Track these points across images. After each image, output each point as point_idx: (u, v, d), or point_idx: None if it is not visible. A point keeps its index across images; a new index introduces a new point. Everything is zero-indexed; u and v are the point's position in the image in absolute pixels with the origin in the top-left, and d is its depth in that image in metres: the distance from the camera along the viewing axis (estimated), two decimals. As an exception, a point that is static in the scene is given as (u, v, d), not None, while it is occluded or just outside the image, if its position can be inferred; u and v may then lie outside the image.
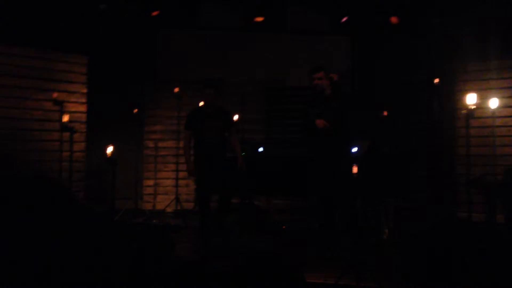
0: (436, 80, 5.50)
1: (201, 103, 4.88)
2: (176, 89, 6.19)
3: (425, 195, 5.67)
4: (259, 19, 7.02)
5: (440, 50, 6.25)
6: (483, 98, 5.46)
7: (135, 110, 6.18)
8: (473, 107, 4.84)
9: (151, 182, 6.83)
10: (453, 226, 3.70)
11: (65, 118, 5.20)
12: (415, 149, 5.82)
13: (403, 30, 6.43)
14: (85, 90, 6.33)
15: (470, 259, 3.20)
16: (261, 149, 6.00)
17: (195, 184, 4.87)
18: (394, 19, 6.49)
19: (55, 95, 5.50)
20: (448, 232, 3.63)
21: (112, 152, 4.16)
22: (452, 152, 6.06)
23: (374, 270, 3.46)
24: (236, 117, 6.07)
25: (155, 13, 6.80)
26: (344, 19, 6.61)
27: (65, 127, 5.19)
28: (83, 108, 6.31)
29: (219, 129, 4.65)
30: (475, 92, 4.99)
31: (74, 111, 6.08)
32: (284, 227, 5.59)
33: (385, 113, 5.19)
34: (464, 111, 5.04)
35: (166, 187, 6.83)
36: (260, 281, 1.26)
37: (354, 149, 4.95)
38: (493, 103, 5.40)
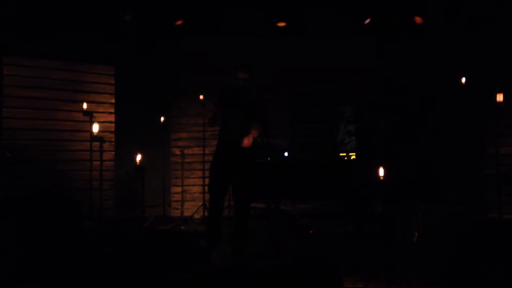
0: (463, 79, 5.41)
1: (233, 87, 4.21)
2: (201, 97, 6.26)
3: (454, 197, 5.57)
4: (281, 24, 7.05)
5: (466, 48, 6.15)
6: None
7: (162, 119, 6.27)
8: (501, 105, 4.74)
9: (178, 189, 6.92)
10: (485, 228, 3.63)
11: (95, 128, 5.33)
12: (443, 150, 5.72)
13: (428, 29, 6.35)
14: (113, 100, 6.49)
15: (502, 263, 3.13)
16: (286, 154, 6.01)
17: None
18: (418, 19, 6.42)
19: (84, 106, 5.65)
20: (480, 235, 3.56)
21: (141, 160, 4.24)
22: (481, 152, 5.93)
23: (404, 274, 3.42)
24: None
25: (179, 22, 6.92)
26: (368, 20, 6.57)
27: (94, 137, 5.33)
28: (111, 118, 6.46)
29: (247, 124, 4.06)
30: (504, 91, 4.89)
31: (103, 121, 6.23)
32: (311, 231, 5.58)
33: (412, 114, 5.13)
34: (494, 110, 4.94)
35: (193, 193, 6.91)
36: (301, 283, 1.28)
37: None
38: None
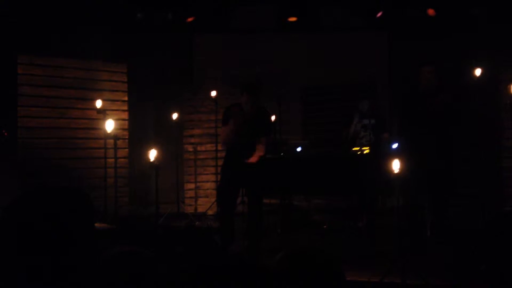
0: (478, 71, 5.33)
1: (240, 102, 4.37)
2: (213, 93, 6.28)
3: (470, 190, 5.51)
4: (293, 19, 7.02)
5: (482, 40, 6.07)
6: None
7: (175, 115, 6.29)
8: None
9: (192, 186, 6.95)
10: (502, 221, 3.59)
11: (109, 125, 5.36)
12: (459, 142, 5.67)
13: (442, 22, 6.28)
14: (126, 98, 6.53)
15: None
16: (299, 149, 5.99)
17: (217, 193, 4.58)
18: (431, 11, 6.35)
19: (98, 104, 5.69)
20: (497, 228, 3.53)
21: (155, 157, 4.27)
22: (497, 145, 5.86)
23: (419, 268, 3.41)
24: (273, 118, 6.11)
25: (190, 19, 6.94)
26: (379, 14, 6.52)
27: (108, 134, 5.37)
28: (125, 115, 6.50)
29: (255, 135, 4.24)
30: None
31: (116, 119, 6.27)
32: (325, 226, 5.57)
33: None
34: (508, 102, 4.87)
35: (207, 190, 6.94)
36: (298, 274, 1.28)
37: (395, 145, 4.89)
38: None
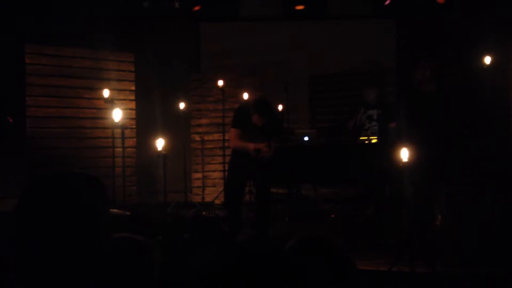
0: (488, 58, 5.26)
1: (249, 100, 4.59)
2: (220, 82, 6.25)
3: (479, 179, 5.48)
4: (300, 7, 6.96)
5: (492, 27, 5.99)
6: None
7: (182, 105, 6.29)
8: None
9: (199, 175, 6.96)
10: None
11: (117, 115, 5.37)
12: (467, 130, 5.62)
13: (451, 8, 6.20)
14: (133, 87, 6.53)
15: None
16: (306, 138, 5.97)
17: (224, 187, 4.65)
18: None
19: (105, 93, 5.69)
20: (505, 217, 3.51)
21: (163, 147, 4.28)
22: (507, 133, 5.81)
23: (428, 256, 3.40)
24: (280, 107, 6.09)
25: (196, 8, 6.90)
26: (388, 1, 6.45)
27: (116, 124, 5.37)
28: (132, 104, 6.51)
29: (266, 138, 4.28)
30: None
31: (124, 108, 6.28)
32: (332, 215, 5.57)
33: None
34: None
35: (214, 179, 6.94)
36: (309, 261, 1.27)
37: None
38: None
